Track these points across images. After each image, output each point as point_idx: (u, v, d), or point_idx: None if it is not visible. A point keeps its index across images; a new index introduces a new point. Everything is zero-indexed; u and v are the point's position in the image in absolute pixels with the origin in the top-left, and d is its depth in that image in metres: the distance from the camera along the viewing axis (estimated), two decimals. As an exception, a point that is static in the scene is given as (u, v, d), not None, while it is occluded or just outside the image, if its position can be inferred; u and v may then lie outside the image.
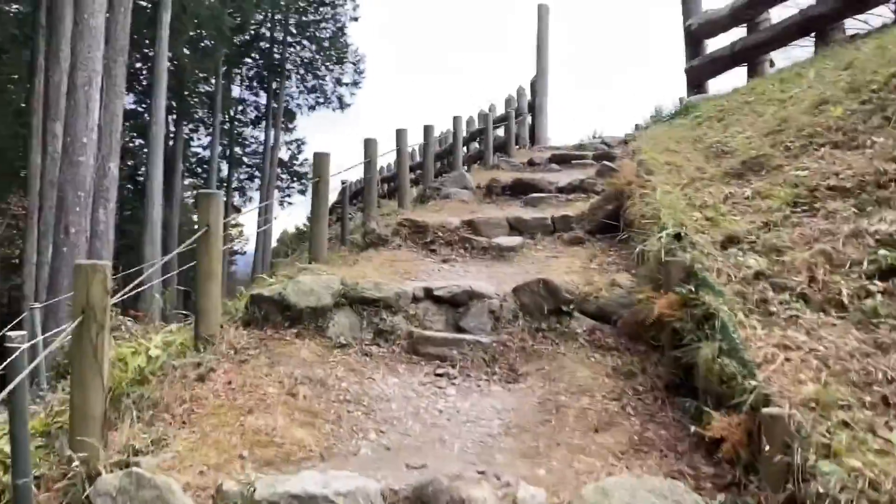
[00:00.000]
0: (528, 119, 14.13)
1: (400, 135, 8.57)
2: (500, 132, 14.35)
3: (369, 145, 7.59)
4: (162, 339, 5.30)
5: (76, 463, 3.10)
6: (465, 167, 12.43)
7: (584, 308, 4.69)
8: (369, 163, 7.58)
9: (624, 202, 6.25)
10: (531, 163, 11.45)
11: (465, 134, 12.63)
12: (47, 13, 20.21)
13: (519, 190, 9.04)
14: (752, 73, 9.77)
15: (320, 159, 6.23)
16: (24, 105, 23.28)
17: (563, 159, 11.35)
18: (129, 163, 32.33)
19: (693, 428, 3.13)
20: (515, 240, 6.58)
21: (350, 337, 4.67)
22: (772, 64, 9.88)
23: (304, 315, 4.71)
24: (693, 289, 3.61)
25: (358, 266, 6.01)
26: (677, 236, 4.22)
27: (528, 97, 14.31)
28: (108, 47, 14.72)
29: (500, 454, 3.40)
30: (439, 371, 4.39)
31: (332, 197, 10.31)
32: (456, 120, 11.14)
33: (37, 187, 19.68)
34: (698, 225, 4.40)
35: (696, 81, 10.55)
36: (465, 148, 14.42)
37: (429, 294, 5.02)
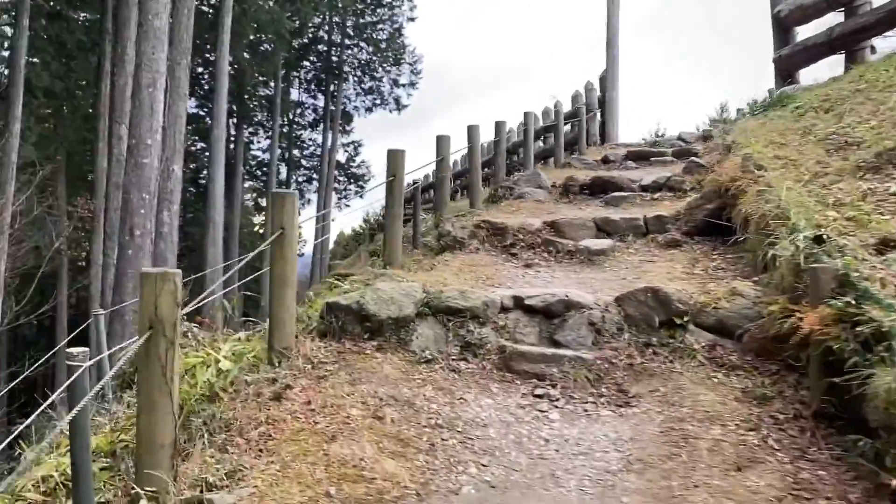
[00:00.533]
0: (598, 115, 13.49)
1: (471, 131, 8.09)
2: (566, 129, 13.77)
3: (442, 142, 7.13)
4: (231, 348, 4.94)
5: (143, 501, 2.70)
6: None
7: (700, 321, 4.13)
8: (442, 160, 7.12)
9: (729, 201, 5.65)
10: (605, 160, 10.85)
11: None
12: (113, 18, 20.42)
13: (598, 189, 8.47)
14: (850, 61, 8.97)
15: (394, 156, 5.79)
16: (91, 110, 23.61)
17: (640, 156, 10.72)
18: (191, 165, 32.72)
19: (893, 481, 2.51)
20: (604, 242, 6.03)
21: (435, 351, 4.20)
22: (873, 50, 9.08)
23: (384, 326, 4.26)
24: (853, 301, 3.03)
25: (436, 271, 5.55)
26: (818, 239, 3.63)
27: (598, 92, 13.67)
28: (172, 49, 14.65)
29: (627, 497, 2.87)
30: (538, 392, 3.88)
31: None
32: (527, 115, 10.61)
33: (103, 190, 19.88)
34: (839, 226, 3.79)
35: (787, 71, 9.78)
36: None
37: (519, 303, 4.52)
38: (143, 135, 12.10)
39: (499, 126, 8.86)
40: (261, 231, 37.37)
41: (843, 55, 9.15)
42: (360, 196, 37.84)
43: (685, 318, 4.14)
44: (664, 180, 8.05)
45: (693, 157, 8.87)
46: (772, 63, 10.04)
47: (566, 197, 8.47)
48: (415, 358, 4.12)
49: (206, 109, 31.29)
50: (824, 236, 3.61)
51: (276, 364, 3.98)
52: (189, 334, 5.82)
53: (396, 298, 4.33)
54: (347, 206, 38.37)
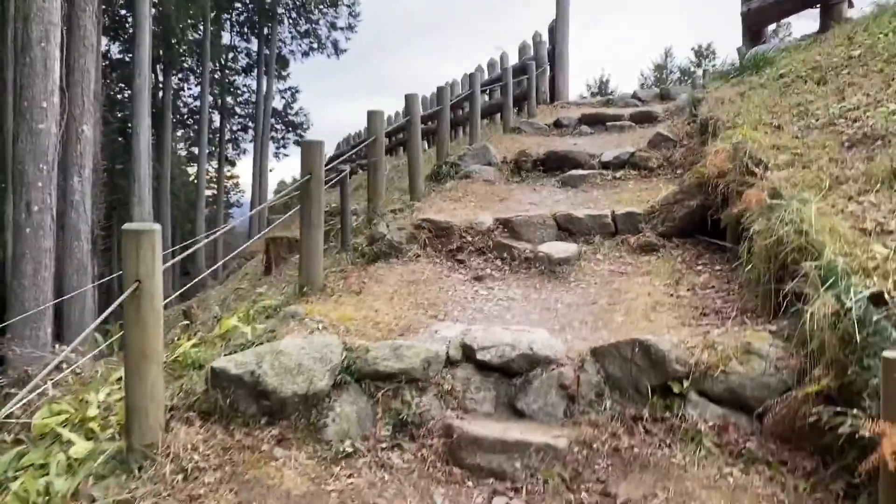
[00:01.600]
0: (547, 71, 12.28)
1: (410, 101, 6.81)
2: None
3: (374, 120, 5.87)
4: (105, 397, 3.79)
5: None
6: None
7: (705, 388, 3.09)
8: (375, 141, 5.87)
9: (715, 199, 4.63)
10: (557, 124, 9.73)
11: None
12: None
13: (553, 164, 7.37)
14: (827, 16, 7.98)
15: (310, 151, 4.52)
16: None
17: (595, 120, 9.62)
18: (118, 114, 30.46)
19: None
20: (568, 248, 4.95)
21: (359, 437, 3.08)
22: (851, 4, 8.09)
23: (288, 405, 3.11)
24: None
25: (366, 295, 4.40)
26: (877, 298, 2.61)
27: (547, 44, 12.44)
28: (73, -5, 12.83)
29: None
30: (498, 501, 2.82)
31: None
32: (472, 77, 9.29)
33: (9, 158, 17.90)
34: (890, 268, 2.78)
35: (757, 26, 8.74)
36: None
37: (470, 356, 3.42)
38: (36, 97, 10.40)
39: (441, 93, 7.59)
40: (195, 181, 35.16)
41: (819, 9, 8.14)
42: (299, 144, 35.94)
43: (685, 385, 3.11)
44: (627, 156, 6.99)
45: (658, 129, 7.84)
46: (739, 17, 8.96)
47: (518, 175, 7.35)
48: (330, 452, 2.99)
49: (130, 55, 28.86)
50: (886, 295, 2.58)
51: (137, 470, 2.83)
52: (63, 365, 4.63)
53: (305, 365, 3.17)
54: (286, 155, 36.56)
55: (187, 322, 6.18)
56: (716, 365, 3.11)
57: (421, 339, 3.59)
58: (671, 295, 4.17)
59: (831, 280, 2.84)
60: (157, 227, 2.99)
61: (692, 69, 34.38)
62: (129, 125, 30.11)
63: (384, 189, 6.08)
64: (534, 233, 5.20)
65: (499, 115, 12.83)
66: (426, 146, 16.14)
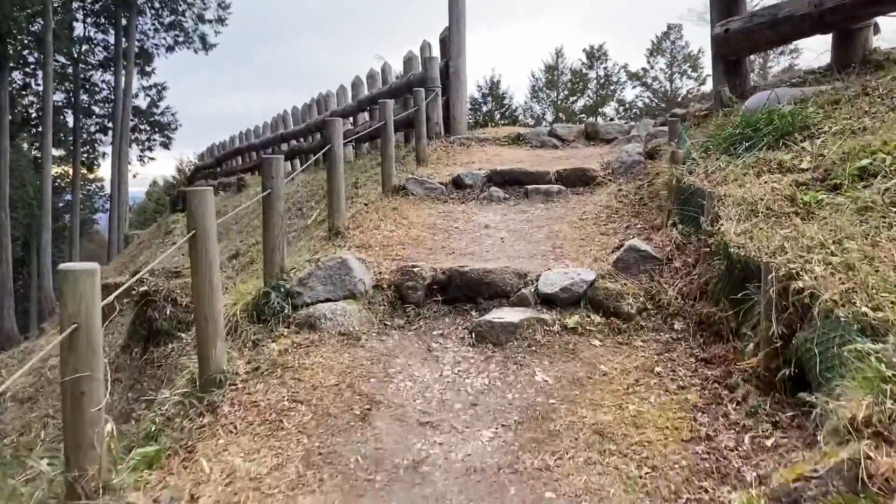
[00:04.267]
0: (439, 96, 9.11)
1: (196, 210, 3.41)
2: (396, 108, 9.40)
3: (78, 281, 2.51)
4: None
5: None
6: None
7: None
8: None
9: None
10: (458, 184, 6.58)
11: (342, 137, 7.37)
12: None
13: (457, 291, 4.24)
14: (845, 47, 5.25)
15: None
16: None
17: (511, 179, 6.53)
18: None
19: None
20: None
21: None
22: (877, 30, 5.40)
23: None
24: None
25: None
26: None
27: (439, 59, 9.27)
28: None
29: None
30: None
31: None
32: (330, 124, 5.68)
33: None
34: None
35: (736, 55, 5.89)
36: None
37: None
38: None
39: (268, 165, 4.21)
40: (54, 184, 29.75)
41: (832, 36, 5.40)
42: (166, 147, 31.21)
43: None
44: (584, 288, 3.96)
45: (585, 189, 4.87)
46: (710, 40, 6.11)
47: (401, 315, 4.15)
48: None
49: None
50: None
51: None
52: None
53: None
54: (152, 159, 31.70)
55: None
56: None
57: None
58: None
59: None
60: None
61: (584, 71, 32.12)
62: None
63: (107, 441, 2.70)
64: None
65: (366, 145, 9.58)
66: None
